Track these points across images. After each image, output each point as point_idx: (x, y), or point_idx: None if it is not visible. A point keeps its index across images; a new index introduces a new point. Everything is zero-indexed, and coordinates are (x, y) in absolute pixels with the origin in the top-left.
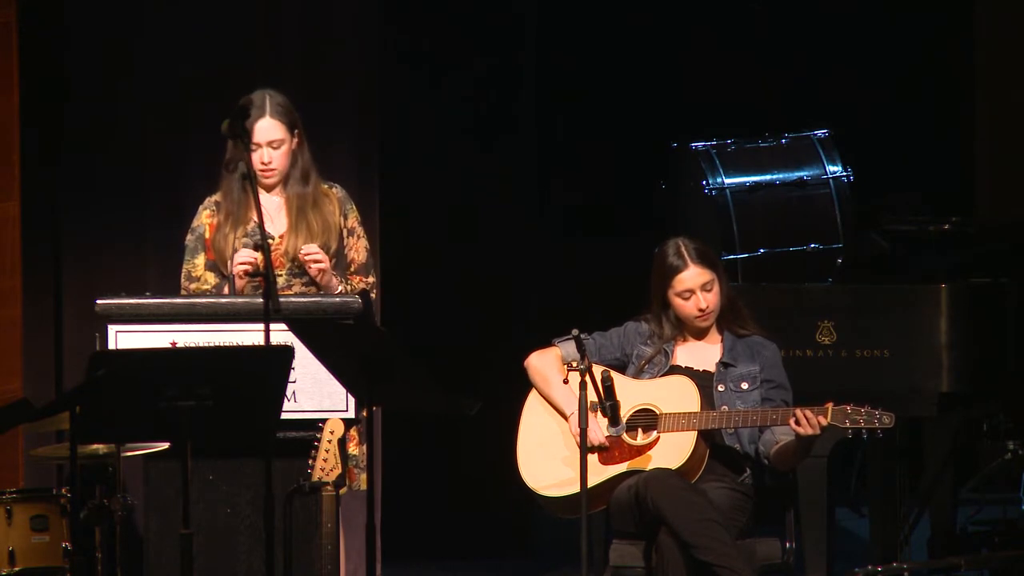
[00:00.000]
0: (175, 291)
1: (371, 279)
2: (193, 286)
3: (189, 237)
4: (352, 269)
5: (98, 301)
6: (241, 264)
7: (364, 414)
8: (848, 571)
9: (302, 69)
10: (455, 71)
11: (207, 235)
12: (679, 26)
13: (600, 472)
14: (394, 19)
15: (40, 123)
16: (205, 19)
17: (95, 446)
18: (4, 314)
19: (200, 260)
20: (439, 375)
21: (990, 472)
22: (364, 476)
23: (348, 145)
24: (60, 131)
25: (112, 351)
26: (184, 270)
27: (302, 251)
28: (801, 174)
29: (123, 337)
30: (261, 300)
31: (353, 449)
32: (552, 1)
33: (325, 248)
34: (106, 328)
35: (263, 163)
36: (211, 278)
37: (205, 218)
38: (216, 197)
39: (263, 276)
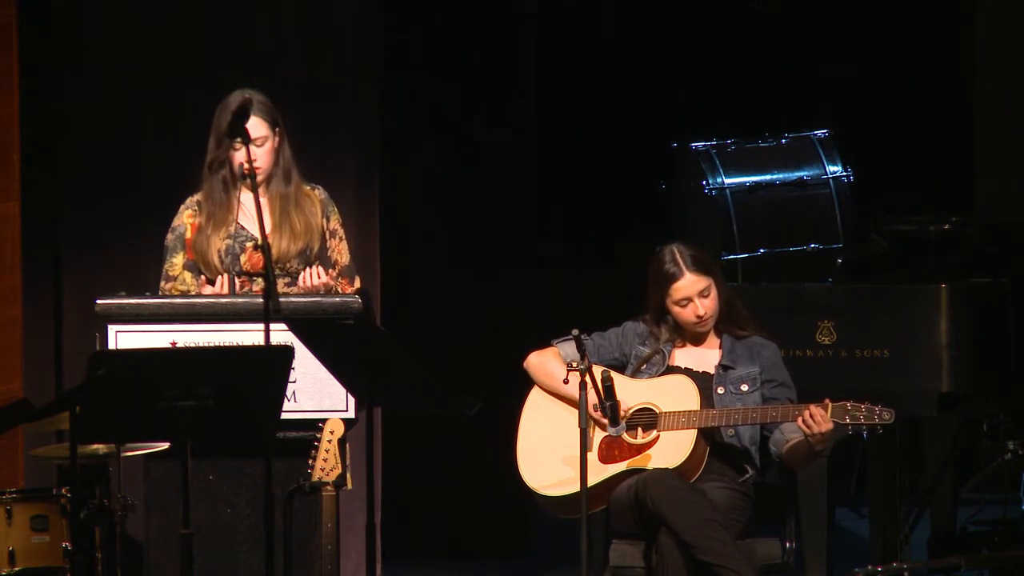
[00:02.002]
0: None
1: (357, 284)
2: (169, 285)
3: (169, 236)
4: (336, 272)
5: (98, 301)
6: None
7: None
8: (848, 571)
9: (302, 69)
10: (455, 71)
11: (188, 235)
12: (679, 26)
13: (600, 471)
14: (394, 19)
15: (40, 123)
16: (205, 19)
17: (95, 446)
18: (4, 314)
19: (178, 259)
20: (439, 375)
21: (990, 472)
22: (349, 475)
23: (348, 145)
24: (60, 131)
25: (112, 351)
26: (163, 269)
27: (312, 282)
28: (801, 174)
29: (123, 337)
30: (261, 300)
31: None
32: (552, 1)
33: (308, 249)
34: (106, 328)
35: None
36: (189, 278)
37: (187, 218)
38: (198, 197)
39: (263, 276)
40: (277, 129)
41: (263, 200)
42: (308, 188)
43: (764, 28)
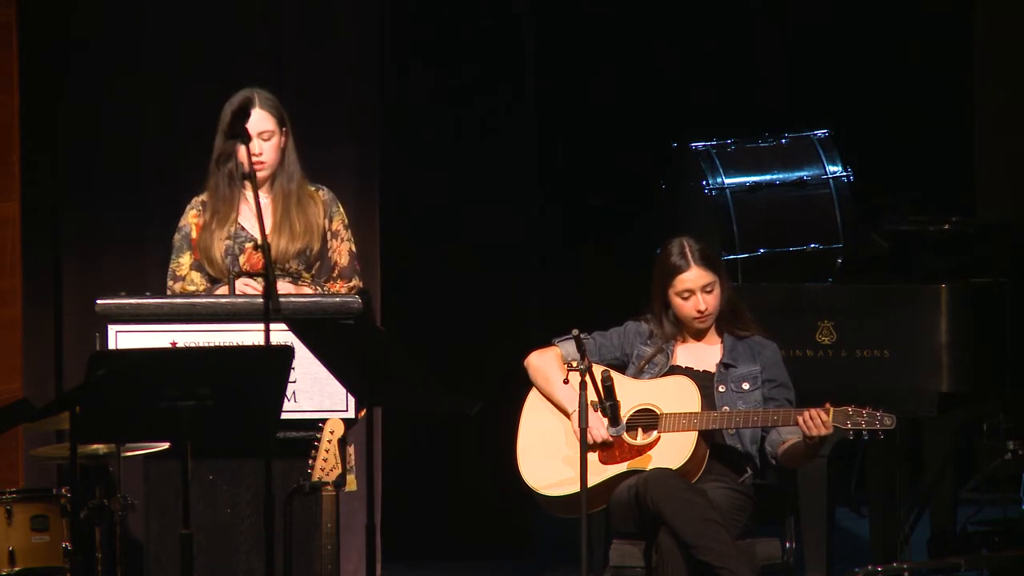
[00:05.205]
0: None
1: (353, 283)
2: (178, 285)
3: (176, 236)
4: (335, 273)
5: (98, 301)
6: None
7: (362, 415)
8: (848, 571)
9: (302, 68)
10: (455, 70)
11: (193, 235)
12: (679, 25)
13: (600, 472)
14: (394, 19)
15: (40, 123)
16: (205, 18)
17: (95, 446)
18: (4, 314)
19: (185, 259)
20: (439, 375)
21: (990, 472)
22: (352, 477)
23: (348, 145)
24: (60, 131)
25: (112, 351)
26: (170, 268)
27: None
28: (801, 174)
29: (123, 337)
30: (261, 300)
31: None
32: (552, 1)
33: (307, 249)
34: (106, 328)
35: (254, 154)
36: (197, 278)
37: (191, 218)
38: (203, 197)
39: (263, 276)
40: (284, 128)
41: (266, 199)
42: (312, 189)
43: (764, 28)
